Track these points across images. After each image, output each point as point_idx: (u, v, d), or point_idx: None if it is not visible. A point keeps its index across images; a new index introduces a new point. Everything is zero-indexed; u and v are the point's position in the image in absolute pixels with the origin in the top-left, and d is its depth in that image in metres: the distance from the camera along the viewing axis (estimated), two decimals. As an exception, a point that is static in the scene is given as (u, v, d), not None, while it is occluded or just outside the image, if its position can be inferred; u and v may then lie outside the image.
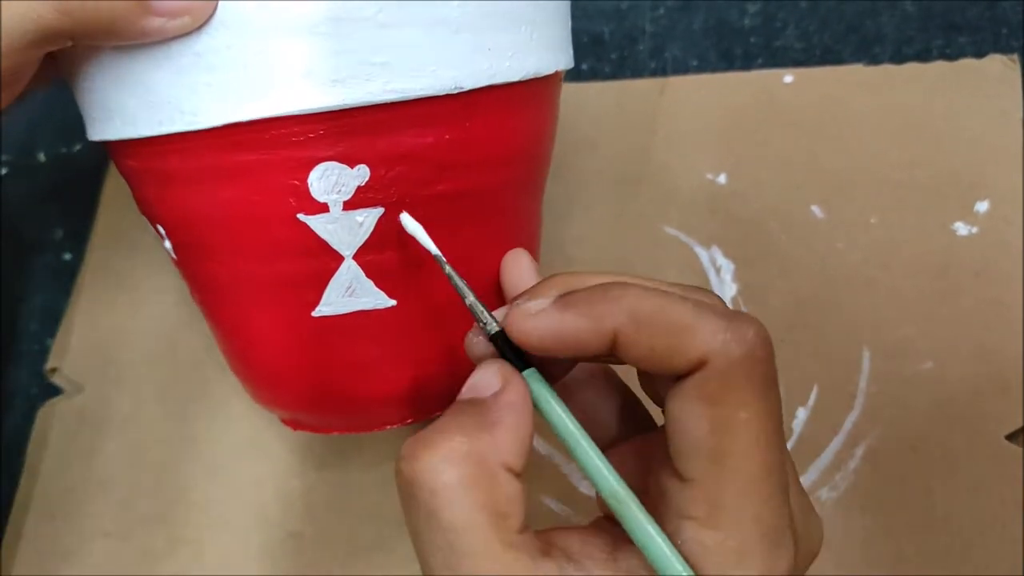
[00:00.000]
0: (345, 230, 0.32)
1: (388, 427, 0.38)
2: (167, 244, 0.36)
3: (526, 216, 0.38)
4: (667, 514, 0.28)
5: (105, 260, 0.57)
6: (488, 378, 0.30)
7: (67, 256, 0.59)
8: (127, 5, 0.28)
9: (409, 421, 0.38)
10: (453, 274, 0.31)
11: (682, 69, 0.55)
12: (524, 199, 0.37)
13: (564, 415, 0.29)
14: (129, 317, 0.55)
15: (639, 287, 0.28)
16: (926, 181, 0.48)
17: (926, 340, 0.45)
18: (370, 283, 0.33)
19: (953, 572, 0.41)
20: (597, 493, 0.29)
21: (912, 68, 0.51)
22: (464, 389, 0.30)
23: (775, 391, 0.27)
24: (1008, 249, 0.46)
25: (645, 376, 0.32)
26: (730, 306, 0.47)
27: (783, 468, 0.27)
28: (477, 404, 0.29)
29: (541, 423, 0.30)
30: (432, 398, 0.37)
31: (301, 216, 0.31)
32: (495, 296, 0.36)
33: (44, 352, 0.56)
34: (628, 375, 0.33)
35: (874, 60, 0.52)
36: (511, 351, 0.30)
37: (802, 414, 0.45)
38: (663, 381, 0.29)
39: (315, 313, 0.34)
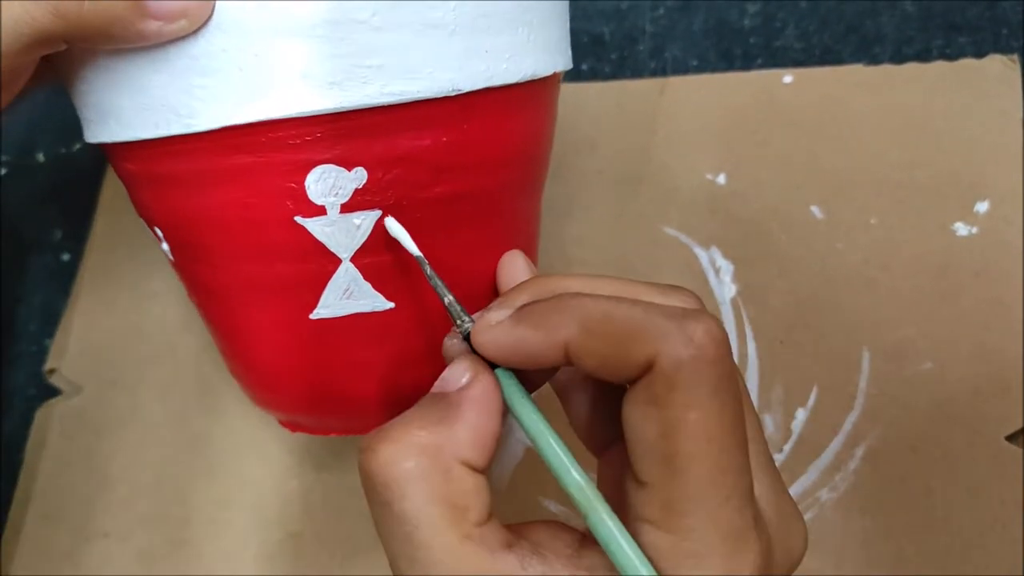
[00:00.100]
0: (343, 233, 0.32)
1: None
2: (164, 246, 0.36)
3: (524, 217, 0.38)
4: (627, 517, 0.28)
5: (104, 261, 0.57)
6: (457, 372, 0.30)
7: (66, 257, 0.59)
8: (124, 8, 0.28)
9: (408, 423, 0.38)
10: (433, 275, 0.32)
11: (682, 69, 0.55)
12: (522, 200, 0.37)
13: (532, 412, 0.29)
14: (128, 318, 0.55)
15: (591, 297, 0.28)
16: (926, 181, 0.48)
17: (926, 340, 0.45)
18: (368, 285, 0.33)
19: (953, 573, 0.41)
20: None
21: (912, 68, 0.51)
22: (435, 383, 0.30)
23: (731, 390, 0.27)
24: (1008, 249, 0.46)
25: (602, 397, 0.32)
26: (729, 307, 0.48)
27: (742, 468, 0.27)
28: (441, 398, 0.30)
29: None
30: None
31: (298, 219, 0.31)
32: (492, 298, 0.36)
33: (42, 353, 0.56)
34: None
35: (874, 60, 0.52)
36: None
37: (802, 415, 0.45)
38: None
39: (313, 315, 0.34)
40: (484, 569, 0.27)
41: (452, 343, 0.32)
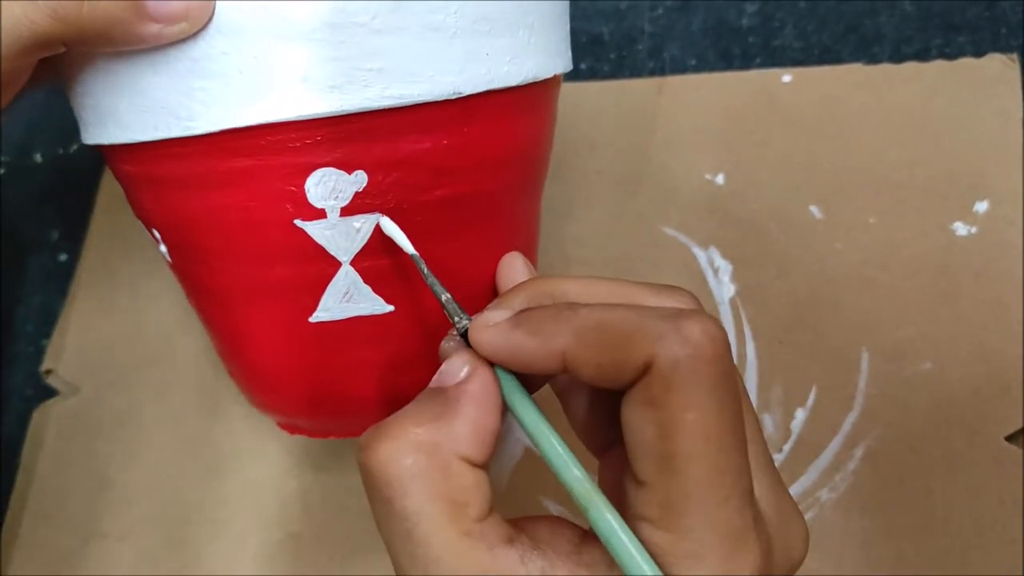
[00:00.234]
0: (343, 236, 0.32)
1: None
2: (163, 248, 0.36)
3: (524, 218, 0.38)
4: (626, 516, 0.27)
5: (101, 261, 0.57)
6: (456, 366, 0.30)
7: (63, 257, 0.58)
8: (123, 11, 0.28)
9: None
10: (428, 273, 0.32)
11: (681, 69, 0.55)
12: (522, 202, 0.37)
13: (531, 410, 0.29)
14: (125, 319, 0.55)
15: (587, 307, 0.28)
16: (925, 181, 0.48)
17: (925, 341, 0.45)
18: (368, 289, 0.33)
19: (953, 573, 0.41)
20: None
21: (911, 67, 0.51)
22: (434, 378, 0.31)
23: (729, 389, 0.27)
24: (1008, 249, 0.46)
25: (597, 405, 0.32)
26: (728, 308, 0.48)
27: (740, 468, 0.27)
28: (439, 393, 0.30)
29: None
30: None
31: (298, 222, 0.31)
32: (492, 300, 0.36)
33: (40, 353, 0.56)
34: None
35: (873, 59, 0.52)
36: None
37: (801, 415, 0.45)
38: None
39: (312, 319, 0.34)
40: (484, 565, 0.27)
41: (449, 344, 0.32)
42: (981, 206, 0.47)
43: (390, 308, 0.34)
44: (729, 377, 0.27)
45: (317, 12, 0.28)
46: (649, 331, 0.26)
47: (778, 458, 0.44)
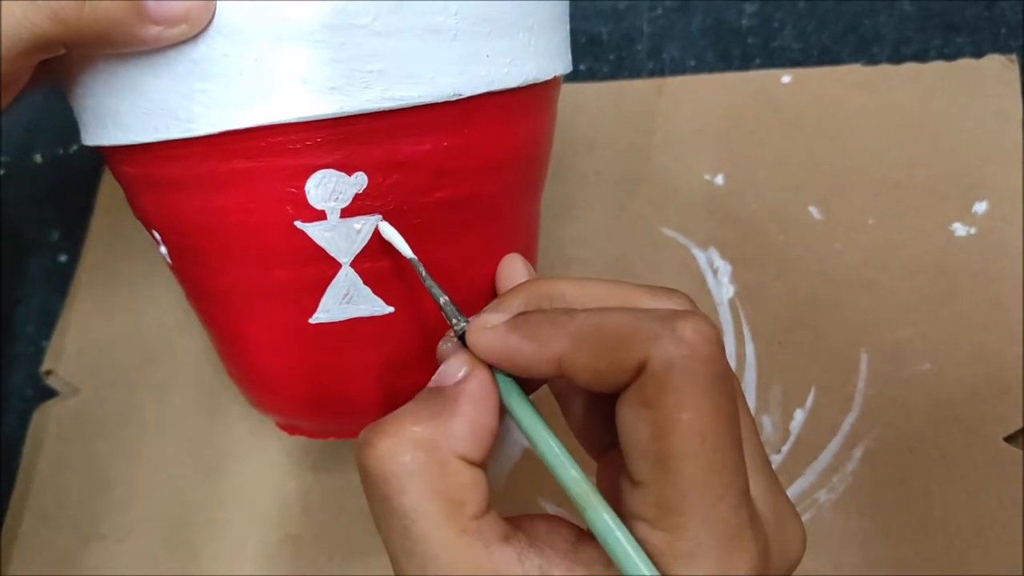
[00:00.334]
0: (343, 238, 0.32)
1: None
2: (163, 249, 0.36)
3: (524, 219, 0.38)
4: (623, 515, 0.27)
5: (101, 262, 0.57)
6: (454, 367, 0.30)
7: (63, 258, 0.58)
8: (124, 13, 0.28)
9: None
10: (427, 276, 0.32)
11: (680, 69, 0.55)
12: (522, 203, 0.37)
13: (527, 410, 0.29)
14: (125, 319, 0.55)
15: (583, 312, 0.28)
16: (924, 181, 0.48)
17: (924, 341, 0.45)
18: (368, 290, 0.33)
19: (952, 573, 0.41)
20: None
21: (910, 68, 0.51)
22: (432, 378, 0.31)
23: (724, 389, 0.27)
24: (1007, 249, 0.46)
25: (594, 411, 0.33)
26: (727, 308, 0.48)
27: (736, 467, 0.27)
28: (438, 392, 0.30)
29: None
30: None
31: (298, 224, 0.31)
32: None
33: (39, 354, 0.56)
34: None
35: (872, 60, 0.52)
36: None
37: (800, 416, 0.45)
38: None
39: (312, 320, 0.34)
40: (481, 563, 0.27)
41: (446, 346, 0.32)
42: (980, 207, 0.47)
43: (390, 309, 0.34)
44: (724, 377, 0.27)
45: (317, 14, 0.28)
46: (643, 332, 0.26)
47: (777, 459, 0.44)
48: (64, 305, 0.56)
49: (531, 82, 0.33)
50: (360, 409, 0.36)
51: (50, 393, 0.54)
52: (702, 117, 0.52)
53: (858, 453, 0.44)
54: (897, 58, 0.52)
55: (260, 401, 0.39)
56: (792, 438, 0.45)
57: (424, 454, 0.28)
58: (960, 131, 0.48)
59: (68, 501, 0.51)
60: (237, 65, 0.29)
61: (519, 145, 0.35)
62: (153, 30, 0.28)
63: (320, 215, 0.31)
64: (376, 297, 0.33)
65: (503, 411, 0.30)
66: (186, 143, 0.31)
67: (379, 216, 0.32)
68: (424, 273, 0.32)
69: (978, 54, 0.50)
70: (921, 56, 0.51)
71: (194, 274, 0.36)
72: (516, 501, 0.46)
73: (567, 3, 0.37)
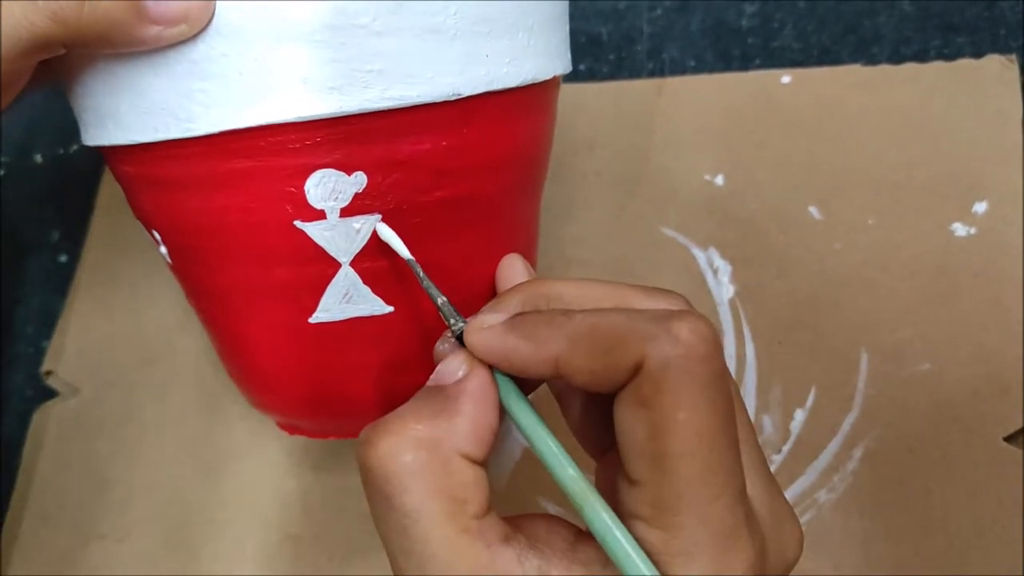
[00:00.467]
0: (342, 237, 0.32)
1: None
2: (163, 249, 0.36)
3: (524, 219, 0.38)
4: (620, 514, 0.28)
5: (101, 262, 0.57)
6: (453, 366, 0.30)
7: (63, 258, 0.58)
8: (123, 13, 0.28)
9: (406, 426, 0.38)
10: (424, 277, 0.32)
11: (680, 70, 0.55)
12: (522, 203, 0.37)
13: (526, 410, 0.30)
14: (125, 319, 0.55)
15: (580, 313, 0.28)
16: (924, 182, 0.48)
17: (924, 341, 0.45)
18: (367, 290, 0.33)
19: (952, 573, 0.41)
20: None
21: (910, 68, 0.51)
22: (431, 377, 0.31)
23: (721, 388, 0.27)
24: (1007, 249, 0.46)
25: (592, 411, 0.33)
26: (727, 308, 0.48)
27: (732, 466, 0.27)
28: (438, 391, 0.30)
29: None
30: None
31: (298, 223, 0.31)
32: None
33: (40, 355, 0.56)
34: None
35: (872, 60, 0.52)
36: None
37: (800, 415, 0.45)
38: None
39: (312, 319, 0.34)
40: (482, 563, 0.27)
41: (444, 346, 0.32)
42: (980, 207, 0.47)
43: (389, 309, 0.34)
44: (720, 377, 0.27)
45: (317, 14, 0.28)
46: (639, 332, 0.27)
47: (777, 459, 0.44)
48: (64, 305, 0.56)
49: (530, 82, 0.33)
50: (360, 409, 0.36)
51: (50, 393, 0.54)
52: (702, 117, 0.52)
53: (858, 453, 0.44)
54: (897, 58, 0.52)
55: (260, 401, 0.39)
56: (792, 438, 0.45)
57: (427, 453, 0.27)
58: (960, 131, 0.48)
59: (68, 501, 0.51)
60: (237, 65, 0.29)
61: (519, 145, 0.35)
62: (152, 30, 0.28)
63: (320, 215, 0.31)
64: (376, 297, 0.33)
65: (503, 411, 0.30)
66: (186, 143, 0.31)
67: (379, 216, 0.32)
68: (422, 274, 0.32)
69: (978, 54, 0.50)
70: (921, 56, 0.51)
71: (194, 274, 0.36)
72: (516, 501, 0.46)
73: (567, 3, 0.37)
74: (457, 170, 0.32)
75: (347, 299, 0.33)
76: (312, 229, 0.31)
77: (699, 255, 0.49)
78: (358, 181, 0.31)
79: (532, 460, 0.47)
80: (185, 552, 0.48)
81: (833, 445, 0.44)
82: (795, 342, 0.46)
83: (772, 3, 0.55)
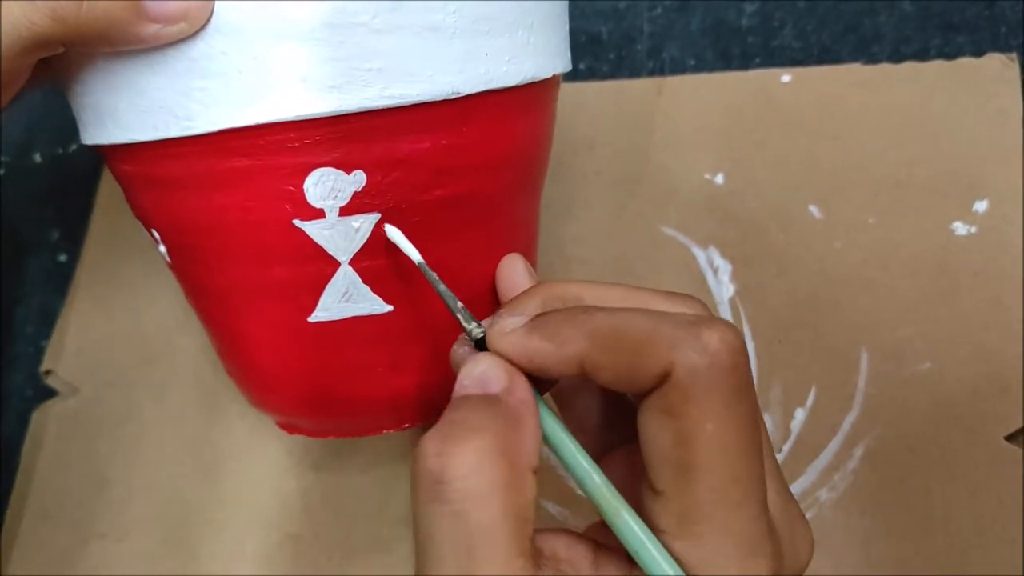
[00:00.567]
0: (341, 236, 0.32)
1: (384, 431, 0.38)
2: (162, 248, 0.36)
3: (524, 219, 0.38)
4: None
5: (101, 261, 0.57)
6: (493, 372, 0.29)
7: (62, 258, 0.58)
8: (122, 11, 0.28)
9: (406, 426, 0.38)
10: (438, 281, 0.31)
11: (680, 69, 0.55)
12: (522, 202, 0.37)
13: (550, 418, 0.29)
14: (124, 319, 0.55)
15: (604, 310, 0.28)
16: (924, 181, 0.48)
17: (925, 340, 0.45)
18: (367, 289, 0.33)
19: (952, 573, 0.41)
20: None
21: (910, 67, 0.51)
22: (467, 381, 0.29)
23: (747, 398, 0.27)
24: (1007, 249, 0.46)
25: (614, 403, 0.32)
26: (727, 307, 0.48)
27: (757, 477, 0.27)
28: (492, 400, 0.28)
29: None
30: (429, 403, 0.36)
31: (297, 222, 0.31)
32: (492, 301, 0.36)
33: (39, 354, 0.56)
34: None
35: (872, 59, 0.52)
36: None
37: (800, 415, 0.45)
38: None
39: (311, 318, 0.34)
40: None
41: (462, 350, 0.31)
42: (980, 206, 0.47)
43: (389, 308, 0.34)
44: (747, 387, 0.27)
45: (317, 12, 0.28)
46: (668, 339, 0.26)
47: (778, 458, 0.44)
48: (64, 305, 0.56)
49: (530, 80, 0.33)
50: (360, 408, 0.36)
51: (50, 393, 0.54)
52: (702, 116, 0.52)
53: (859, 452, 0.44)
54: (897, 57, 0.51)
55: (259, 400, 0.39)
56: (793, 437, 0.45)
57: (508, 468, 0.26)
58: (960, 130, 0.48)
59: (67, 500, 0.51)
60: (236, 63, 0.29)
61: (518, 144, 0.35)
62: (151, 28, 0.28)
63: (319, 213, 0.31)
64: (375, 296, 0.33)
65: None
66: (185, 141, 0.31)
67: (378, 214, 0.31)
68: (435, 277, 0.31)
69: (978, 53, 0.50)
70: (921, 55, 0.51)
71: (193, 273, 0.36)
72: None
73: (567, 2, 0.37)
74: (457, 169, 0.32)
75: (346, 298, 0.33)
76: (311, 228, 0.31)
77: (699, 254, 0.49)
78: (357, 180, 0.31)
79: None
80: (184, 551, 0.48)
81: (833, 444, 0.44)
82: (795, 341, 0.46)
83: (772, 2, 0.55)
